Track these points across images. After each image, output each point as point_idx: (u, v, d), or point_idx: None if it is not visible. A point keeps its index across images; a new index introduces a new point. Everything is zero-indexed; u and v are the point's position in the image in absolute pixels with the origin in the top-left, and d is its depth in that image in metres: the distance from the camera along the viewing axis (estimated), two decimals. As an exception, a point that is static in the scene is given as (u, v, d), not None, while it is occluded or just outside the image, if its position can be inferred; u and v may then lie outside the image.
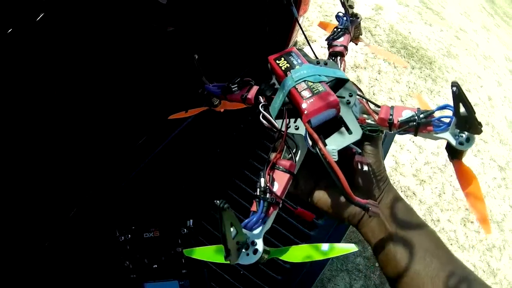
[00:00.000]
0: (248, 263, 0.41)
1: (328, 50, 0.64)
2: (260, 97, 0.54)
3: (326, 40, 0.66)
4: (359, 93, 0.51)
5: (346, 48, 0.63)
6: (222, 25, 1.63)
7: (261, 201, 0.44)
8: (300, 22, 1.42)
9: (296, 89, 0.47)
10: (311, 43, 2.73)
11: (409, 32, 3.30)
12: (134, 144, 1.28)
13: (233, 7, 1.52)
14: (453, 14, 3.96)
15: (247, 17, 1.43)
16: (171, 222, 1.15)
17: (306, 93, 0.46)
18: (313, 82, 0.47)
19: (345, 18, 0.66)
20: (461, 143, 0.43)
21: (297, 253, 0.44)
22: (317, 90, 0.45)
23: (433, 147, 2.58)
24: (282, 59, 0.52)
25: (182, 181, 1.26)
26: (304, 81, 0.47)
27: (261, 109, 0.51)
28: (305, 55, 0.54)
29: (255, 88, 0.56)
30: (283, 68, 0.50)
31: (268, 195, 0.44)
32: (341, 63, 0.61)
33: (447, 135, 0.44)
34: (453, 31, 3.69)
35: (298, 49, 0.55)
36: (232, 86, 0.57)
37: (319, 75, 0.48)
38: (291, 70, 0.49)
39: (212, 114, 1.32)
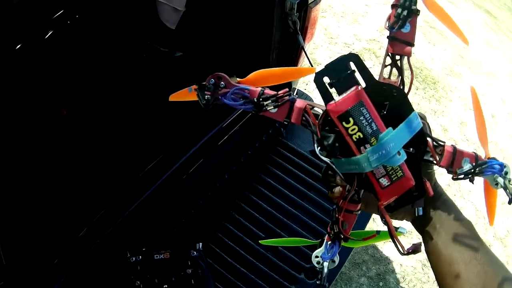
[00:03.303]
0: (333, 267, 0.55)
1: (389, 42, 0.53)
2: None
3: (387, 28, 0.52)
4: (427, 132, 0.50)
5: (412, 44, 0.52)
6: (230, 52, 1.69)
7: (337, 241, 0.53)
8: (306, 48, 1.47)
9: (374, 174, 0.45)
10: (316, 66, 2.79)
11: (413, 53, 3.34)
12: (144, 168, 1.33)
13: (240, 35, 1.58)
14: (457, 32, 4.01)
15: (254, 44, 1.49)
16: (181, 244, 1.20)
17: (384, 181, 0.44)
18: (392, 167, 0.44)
19: None
20: (496, 184, 0.51)
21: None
22: (396, 177, 0.44)
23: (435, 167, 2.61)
24: (351, 121, 0.43)
25: (192, 205, 1.31)
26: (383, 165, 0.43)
27: (329, 162, 0.46)
28: (377, 86, 0.45)
29: (298, 108, 0.49)
30: (354, 139, 0.43)
31: (341, 235, 0.52)
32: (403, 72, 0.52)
33: (488, 178, 0.52)
34: (457, 49, 3.73)
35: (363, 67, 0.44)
36: (264, 103, 0.49)
37: (399, 155, 0.42)
38: (367, 150, 0.43)
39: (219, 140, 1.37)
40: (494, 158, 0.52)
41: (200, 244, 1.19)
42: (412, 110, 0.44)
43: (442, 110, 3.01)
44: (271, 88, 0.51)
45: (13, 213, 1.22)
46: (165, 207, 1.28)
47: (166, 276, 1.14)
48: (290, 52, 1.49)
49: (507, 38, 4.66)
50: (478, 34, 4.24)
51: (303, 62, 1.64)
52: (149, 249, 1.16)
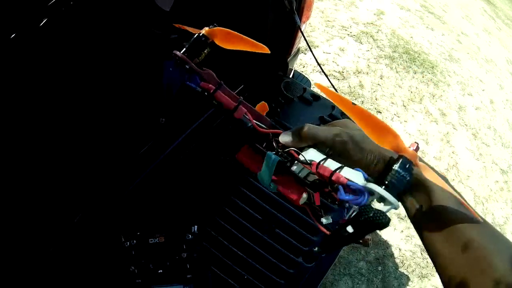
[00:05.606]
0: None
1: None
2: None
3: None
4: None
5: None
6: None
7: None
8: (302, 29, 1.44)
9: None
10: (313, 49, 2.75)
11: (410, 37, 3.31)
12: (139, 151, 1.30)
13: (235, 14, 1.54)
14: (455, 18, 3.98)
15: (249, 24, 1.45)
16: (176, 228, 1.17)
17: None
18: None
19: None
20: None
21: None
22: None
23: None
24: None
25: (187, 187, 1.28)
26: None
27: None
28: None
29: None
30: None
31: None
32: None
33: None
34: (455, 35, 3.70)
35: None
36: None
37: (271, 186, 0.55)
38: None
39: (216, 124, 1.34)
40: (416, 143, 0.44)
41: (196, 227, 1.17)
42: (265, 153, 0.56)
43: (440, 94, 2.97)
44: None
45: (6, 201, 1.19)
46: (159, 190, 1.26)
47: (161, 261, 1.12)
48: (286, 32, 1.46)
49: (505, 25, 4.64)
50: (476, 21, 4.21)
51: (300, 43, 1.61)
52: (144, 234, 1.13)
